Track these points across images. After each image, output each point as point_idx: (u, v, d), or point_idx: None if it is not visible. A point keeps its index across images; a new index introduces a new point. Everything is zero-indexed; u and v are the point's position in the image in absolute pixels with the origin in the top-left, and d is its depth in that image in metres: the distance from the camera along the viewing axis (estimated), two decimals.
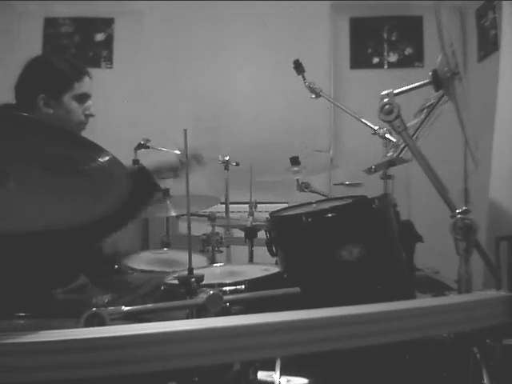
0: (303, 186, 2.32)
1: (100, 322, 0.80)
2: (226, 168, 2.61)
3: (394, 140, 1.65)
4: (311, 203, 1.52)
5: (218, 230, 2.47)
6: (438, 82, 1.09)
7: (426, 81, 1.12)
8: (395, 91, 1.10)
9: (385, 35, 3.55)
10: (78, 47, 3.52)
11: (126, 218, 1.45)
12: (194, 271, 1.00)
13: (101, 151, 0.75)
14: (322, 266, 1.27)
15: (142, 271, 1.84)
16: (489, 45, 3.03)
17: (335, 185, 3.42)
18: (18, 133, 0.68)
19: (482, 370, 0.99)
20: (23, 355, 0.65)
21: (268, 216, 1.46)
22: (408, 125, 1.13)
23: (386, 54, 3.55)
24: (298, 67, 2.09)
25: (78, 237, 1.22)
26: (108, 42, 3.54)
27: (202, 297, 0.90)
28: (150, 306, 0.93)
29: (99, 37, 3.55)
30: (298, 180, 2.31)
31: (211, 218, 2.34)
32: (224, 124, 3.47)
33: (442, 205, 1.05)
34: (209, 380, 0.96)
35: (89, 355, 0.66)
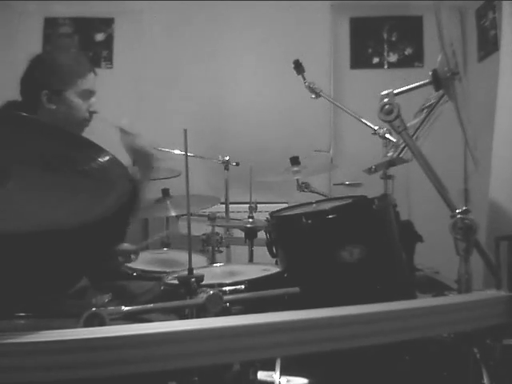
0: (303, 186, 2.33)
1: (100, 321, 0.80)
2: (226, 168, 2.61)
3: (394, 140, 1.65)
4: (311, 203, 1.53)
5: (217, 229, 2.47)
6: (438, 81, 1.09)
7: (426, 81, 1.12)
8: (395, 91, 1.10)
9: (385, 35, 3.55)
10: (78, 47, 3.52)
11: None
12: (194, 271, 1.00)
13: (101, 151, 0.75)
14: (322, 266, 1.27)
15: (143, 271, 1.84)
16: (489, 45, 3.03)
17: (335, 185, 3.42)
18: (18, 133, 0.68)
19: (482, 370, 0.99)
20: (23, 355, 0.65)
21: (268, 216, 1.46)
22: (408, 125, 1.13)
23: (385, 53, 3.55)
24: (298, 67, 2.09)
25: (78, 238, 1.22)
26: (108, 42, 3.54)
27: (201, 297, 0.90)
28: (149, 306, 0.93)
29: (99, 37, 3.55)
30: (298, 180, 2.31)
31: (211, 218, 2.34)
32: (224, 124, 3.47)
33: (442, 205, 1.05)
34: (209, 380, 0.96)
35: (89, 355, 0.66)
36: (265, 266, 1.49)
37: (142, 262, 1.93)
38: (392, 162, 1.46)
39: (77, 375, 0.65)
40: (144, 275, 1.82)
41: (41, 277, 1.25)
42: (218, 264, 1.71)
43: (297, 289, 1.06)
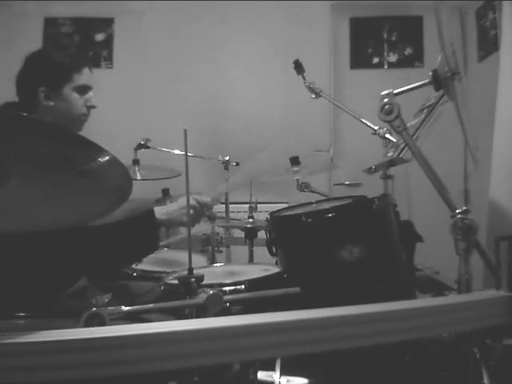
0: (303, 186, 2.32)
1: (100, 322, 0.80)
2: (226, 168, 2.61)
3: (394, 140, 1.65)
4: (311, 203, 1.52)
5: (217, 229, 2.47)
6: (438, 81, 1.09)
7: (426, 81, 1.12)
8: (395, 91, 1.09)
9: (385, 35, 3.55)
10: (78, 47, 3.52)
11: (115, 264, 1.45)
12: (194, 271, 1.00)
13: (101, 151, 0.75)
14: (322, 266, 1.27)
15: (143, 271, 1.84)
16: (489, 45, 3.03)
17: (335, 185, 3.42)
18: (18, 133, 0.68)
19: (482, 370, 0.99)
20: (23, 355, 0.65)
21: (268, 216, 1.46)
22: (408, 125, 1.13)
23: (385, 53, 3.55)
24: (298, 67, 2.09)
25: (78, 238, 1.22)
26: (108, 42, 3.54)
27: (201, 297, 0.90)
28: (149, 306, 0.93)
29: (99, 37, 3.55)
30: (298, 180, 2.31)
31: (211, 218, 2.34)
32: (224, 124, 3.47)
33: (442, 205, 1.05)
34: (209, 380, 0.96)
35: (89, 355, 0.66)
36: (265, 266, 1.49)
37: (142, 262, 1.93)
38: (392, 162, 1.46)
39: (77, 375, 0.65)
40: (144, 275, 1.82)
41: (41, 277, 1.25)
42: (218, 264, 1.70)
43: (297, 289, 1.06)
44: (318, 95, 2.08)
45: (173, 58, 3.45)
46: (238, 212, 2.86)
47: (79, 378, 0.66)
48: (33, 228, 0.88)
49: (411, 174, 2.89)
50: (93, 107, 1.48)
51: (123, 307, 0.86)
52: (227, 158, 2.60)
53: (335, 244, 1.25)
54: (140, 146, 2.48)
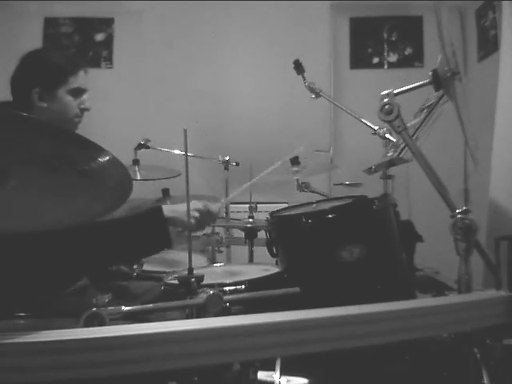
0: (303, 186, 2.33)
1: (100, 322, 0.80)
2: (226, 168, 2.61)
3: (394, 140, 1.65)
4: (311, 203, 1.52)
5: (217, 229, 2.47)
6: (438, 81, 1.09)
7: (426, 81, 1.11)
8: (395, 91, 1.09)
9: (385, 35, 3.55)
10: (78, 47, 3.52)
11: (124, 260, 1.44)
12: (194, 271, 1.00)
13: (101, 151, 0.75)
14: (322, 265, 1.27)
15: (143, 271, 1.84)
16: (489, 45, 3.03)
17: (335, 185, 3.42)
18: (17, 133, 0.68)
19: (482, 370, 0.99)
20: (23, 355, 0.65)
21: (268, 216, 1.46)
22: (408, 125, 1.13)
23: (386, 53, 3.55)
24: (298, 67, 2.09)
25: (79, 239, 1.22)
26: (108, 42, 3.54)
27: (202, 297, 0.90)
28: (149, 306, 0.93)
29: (99, 37, 3.55)
30: (298, 180, 2.31)
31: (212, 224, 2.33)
32: (224, 124, 3.47)
33: (442, 205, 1.05)
34: (209, 380, 0.96)
35: (89, 355, 0.66)
36: (265, 266, 1.49)
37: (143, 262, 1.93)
38: (392, 162, 1.46)
39: (77, 375, 0.65)
40: (144, 275, 1.82)
41: (41, 276, 1.25)
42: (218, 264, 1.70)
43: (297, 289, 1.06)
44: (317, 95, 2.08)
45: (173, 58, 3.45)
46: (238, 212, 2.86)
47: (79, 377, 0.66)
48: (33, 228, 0.88)
49: (411, 174, 2.89)
50: (86, 110, 1.47)
51: (123, 307, 0.86)
52: (227, 158, 2.60)
53: (335, 244, 1.25)
54: (140, 146, 2.48)
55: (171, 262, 1.99)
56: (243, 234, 2.23)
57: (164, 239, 1.37)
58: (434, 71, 1.09)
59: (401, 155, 1.30)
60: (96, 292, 1.39)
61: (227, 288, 1.21)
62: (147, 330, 0.69)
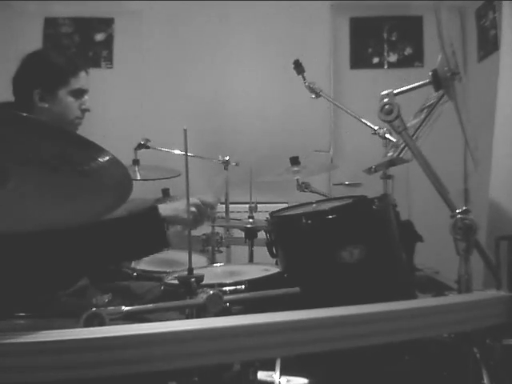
0: (303, 186, 2.32)
1: (100, 322, 0.80)
2: (226, 168, 2.61)
3: (394, 140, 1.65)
4: (311, 203, 1.52)
5: (217, 229, 2.46)
6: (438, 81, 1.09)
7: (426, 81, 1.11)
8: (395, 91, 1.09)
9: (385, 35, 3.55)
10: (78, 47, 3.52)
11: (121, 260, 1.44)
12: (194, 271, 1.00)
13: (101, 151, 0.75)
14: (322, 266, 1.27)
15: (143, 271, 1.84)
16: (489, 45, 3.03)
17: (335, 185, 3.42)
18: (17, 133, 0.68)
19: (482, 370, 0.99)
20: (23, 355, 0.65)
21: (268, 216, 1.46)
22: (408, 125, 1.12)
23: (386, 53, 3.55)
24: (298, 67, 2.09)
25: (78, 239, 1.22)
26: (108, 42, 3.54)
27: (202, 297, 0.90)
28: (150, 306, 0.93)
29: (99, 37, 3.55)
30: (298, 180, 2.31)
31: (212, 219, 2.33)
32: (224, 124, 3.47)
33: (442, 205, 1.05)
34: (209, 380, 0.96)
35: (89, 355, 0.66)
36: (265, 266, 1.49)
37: (142, 262, 1.93)
38: (392, 162, 1.46)
39: (77, 375, 0.65)
40: (144, 275, 1.82)
41: (41, 276, 1.25)
42: (218, 264, 1.70)
43: (297, 289, 1.06)
44: (317, 95, 2.08)
45: (173, 58, 3.45)
46: (238, 212, 2.86)
47: (79, 378, 0.66)
48: (33, 228, 0.88)
49: (411, 174, 2.89)
50: (87, 111, 1.47)
51: (123, 307, 0.86)
52: (227, 158, 2.60)
53: (335, 244, 1.25)
54: (140, 146, 2.48)
55: (171, 262, 1.99)
56: (243, 234, 2.23)
57: (161, 239, 1.36)
58: (434, 71, 1.09)
59: (401, 155, 1.30)
60: (96, 292, 1.39)
61: (227, 288, 1.21)
62: (147, 330, 0.69)
